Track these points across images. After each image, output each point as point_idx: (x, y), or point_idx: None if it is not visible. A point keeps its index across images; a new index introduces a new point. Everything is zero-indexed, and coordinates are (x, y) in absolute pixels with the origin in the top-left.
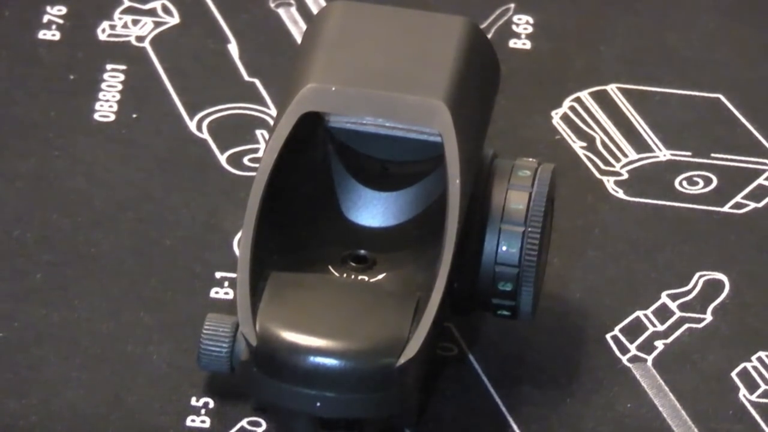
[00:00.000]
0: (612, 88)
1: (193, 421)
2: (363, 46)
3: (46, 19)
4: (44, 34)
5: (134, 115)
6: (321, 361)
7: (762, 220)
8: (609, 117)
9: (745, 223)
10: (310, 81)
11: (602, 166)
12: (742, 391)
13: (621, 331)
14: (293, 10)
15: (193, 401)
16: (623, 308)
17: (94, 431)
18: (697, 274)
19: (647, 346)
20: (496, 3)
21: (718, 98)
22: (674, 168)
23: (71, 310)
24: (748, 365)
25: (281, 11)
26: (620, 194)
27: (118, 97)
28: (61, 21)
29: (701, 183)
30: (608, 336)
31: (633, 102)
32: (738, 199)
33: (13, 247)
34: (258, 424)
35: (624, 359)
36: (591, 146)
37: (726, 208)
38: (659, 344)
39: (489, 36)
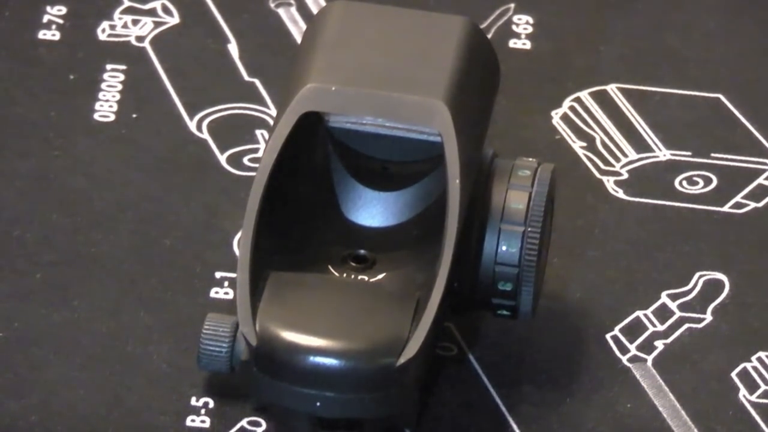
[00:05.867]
0: (612, 88)
1: (193, 421)
2: (363, 46)
3: (46, 19)
4: (44, 34)
5: (134, 115)
6: (321, 361)
7: (762, 220)
8: (609, 117)
9: (745, 223)
10: (310, 81)
11: (602, 166)
12: (742, 391)
13: (621, 331)
14: (293, 10)
15: (193, 401)
16: (623, 308)
17: (94, 431)
18: (697, 274)
19: (647, 346)
20: (496, 3)
21: (718, 98)
22: (674, 168)
23: (71, 310)
24: (748, 365)
25: (281, 11)
26: (620, 194)
27: (118, 97)
28: (61, 21)
29: (701, 183)
30: (608, 336)
31: (633, 102)
32: (738, 198)
33: (13, 247)
34: (258, 424)
35: (624, 359)
36: (591, 146)
37: (726, 208)
38: (659, 344)
39: (489, 36)
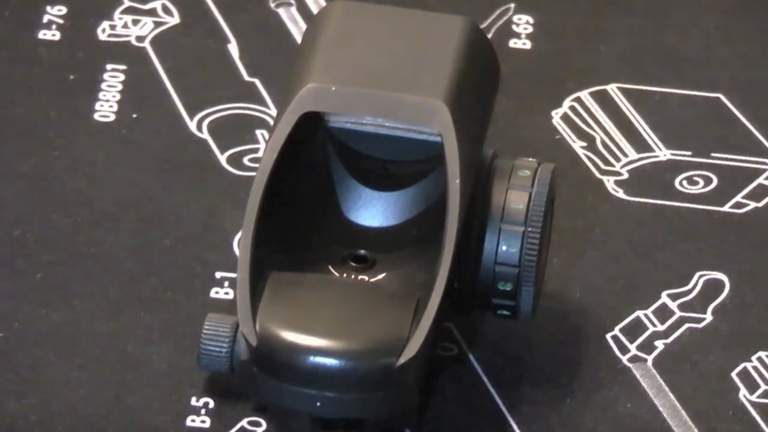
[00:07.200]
0: (612, 88)
1: (193, 421)
2: (363, 46)
3: (46, 19)
4: (44, 34)
5: (134, 115)
6: (321, 361)
7: (762, 220)
8: (609, 117)
9: (745, 223)
10: (310, 81)
11: (602, 166)
12: (742, 391)
13: (621, 331)
14: (293, 10)
15: (193, 401)
16: (623, 308)
17: (94, 431)
18: (697, 274)
19: (647, 346)
20: (496, 3)
21: (718, 98)
22: (674, 167)
23: (71, 310)
24: (748, 365)
25: (281, 11)
26: (620, 194)
27: (118, 97)
28: (61, 21)
29: (701, 182)
30: (608, 336)
31: (633, 102)
32: (738, 198)
33: (13, 247)
34: (258, 424)
35: (624, 359)
36: (591, 146)
37: (726, 208)
38: (659, 344)
39: (489, 36)
